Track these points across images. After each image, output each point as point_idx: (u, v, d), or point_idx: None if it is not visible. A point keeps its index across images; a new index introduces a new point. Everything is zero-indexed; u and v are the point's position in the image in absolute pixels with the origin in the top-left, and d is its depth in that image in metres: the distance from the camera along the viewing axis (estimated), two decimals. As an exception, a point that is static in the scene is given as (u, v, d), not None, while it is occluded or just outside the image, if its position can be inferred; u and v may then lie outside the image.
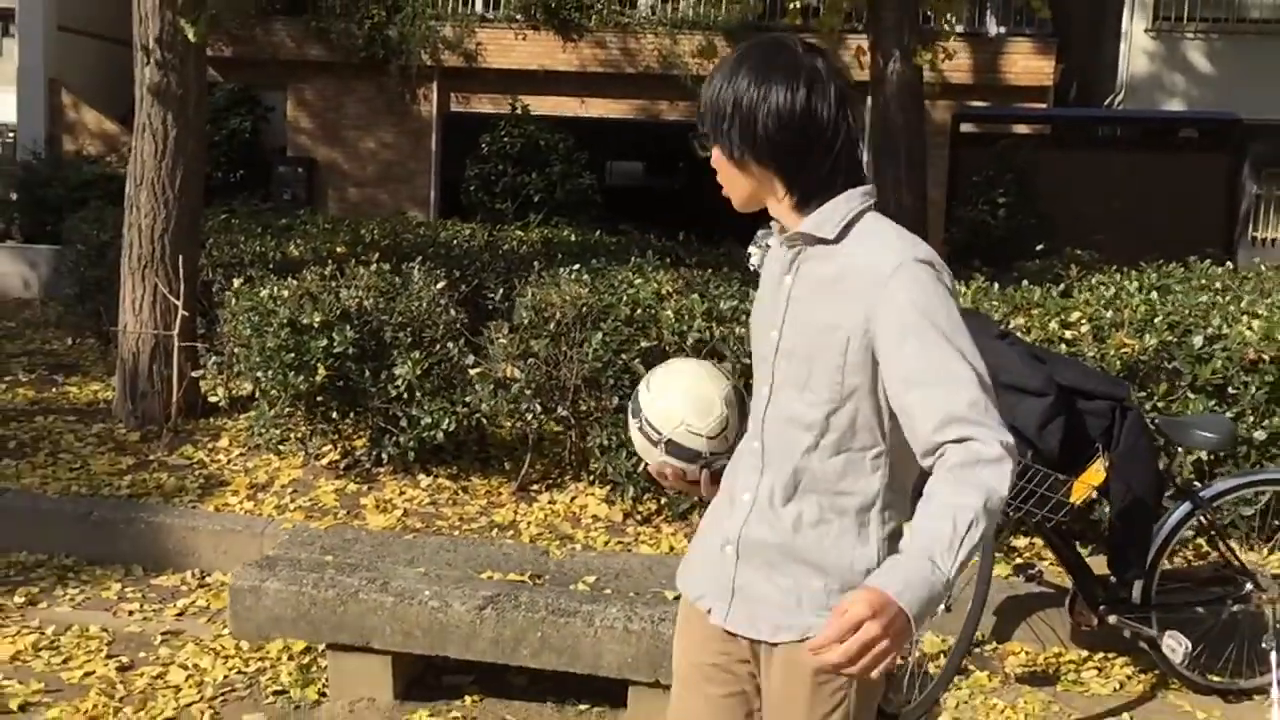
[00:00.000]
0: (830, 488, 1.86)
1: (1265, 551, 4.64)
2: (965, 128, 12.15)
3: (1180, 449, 3.94)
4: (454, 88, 16.53)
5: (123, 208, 6.20)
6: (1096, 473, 3.45)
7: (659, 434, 2.02)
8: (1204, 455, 4.45)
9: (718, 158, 1.92)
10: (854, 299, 1.80)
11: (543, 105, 15.91)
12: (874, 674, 1.61)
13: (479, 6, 16.43)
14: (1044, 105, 15.12)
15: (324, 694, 3.68)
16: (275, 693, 3.70)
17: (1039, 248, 8.00)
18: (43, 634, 4.08)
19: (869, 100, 8.12)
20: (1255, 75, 14.53)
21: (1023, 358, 3.51)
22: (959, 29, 14.97)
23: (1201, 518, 3.83)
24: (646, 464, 2.07)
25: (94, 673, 3.80)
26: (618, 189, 17.83)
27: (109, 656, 3.93)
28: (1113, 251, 7.37)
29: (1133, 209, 10.12)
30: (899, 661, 3.58)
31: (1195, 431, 3.78)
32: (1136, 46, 15.29)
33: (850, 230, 1.85)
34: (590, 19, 15.82)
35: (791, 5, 9.40)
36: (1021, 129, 14.82)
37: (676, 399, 2.03)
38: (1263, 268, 6.35)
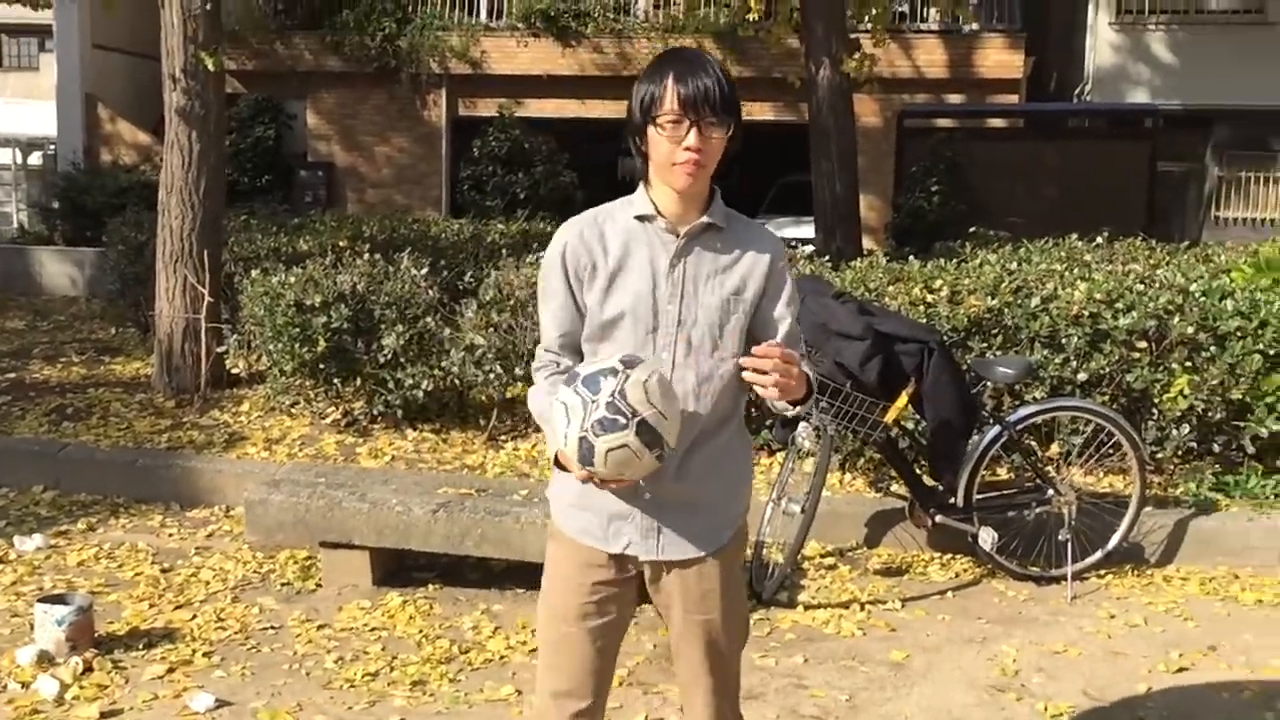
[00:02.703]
0: (726, 421, 2.34)
1: (1100, 474, 5.61)
2: (912, 123, 13.13)
3: (989, 383, 4.92)
4: (461, 93, 17.59)
5: (156, 212, 7.30)
6: (901, 399, 4.46)
7: (633, 413, 2.09)
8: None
9: (720, 138, 2.22)
10: (752, 272, 2.31)
11: (545, 108, 16.95)
12: (776, 393, 2.15)
13: (483, 16, 17.47)
14: (1016, 98, 15.99)
15: (319, 584, 4.74)
16: (282, 584, 4.76)
17: (971, 230, 8.96)
18: (101, 549, 5.16)
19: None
20: (1216, 64, 15.38)
21: (850, 312, 4.51)
22: (934, 26, 15.93)
23: (1009, 438, 4.81)
24: (590, 466, 2.14)
25: (142, 573, 4.87)
26: (629, 182, 18.75)
27: (154, 562, 5.00)
28: (1029, 232, 8.32)
29: (1059, 194, 11.09)
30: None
31: (998, 369, 4.78)
32: (1101, 39, 16.15)
33: (730, 219, 2.34)
34: (587, 26, 16.83)
35: (747, 17, 10.34)
36: (994, 122, 15.70)
37: (654, 384, 2.14)
38: (1099, 240, 7.26)
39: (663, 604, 2.40)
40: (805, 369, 2.27)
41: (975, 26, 15.82)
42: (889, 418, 4.53)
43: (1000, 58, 15.84)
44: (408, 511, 4.52)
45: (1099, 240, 7.14)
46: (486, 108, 17.22)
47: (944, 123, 14.10)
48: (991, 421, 4.84)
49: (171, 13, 6.82)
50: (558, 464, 2.29)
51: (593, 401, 2.09)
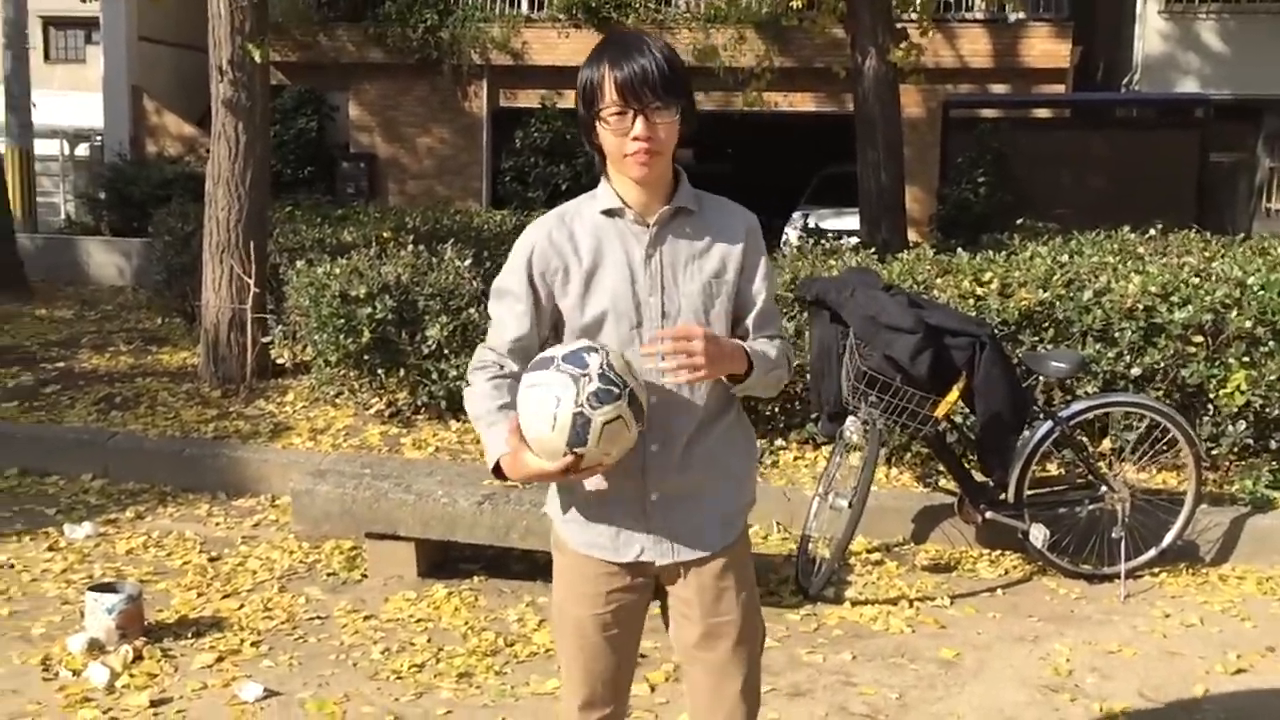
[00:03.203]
0: (725, 410, 2.27)
1: (1153, 471, 5.51)
2: (958, 113, 12.99)
3: (1041, 377, 4.83)
4: (502, 84, 17.60)
5: (201, 203, 7.34)
6: (953, 393, 4.39)
7: (624, 384, 2.06)
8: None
9: (669, 121, 2.11)
10: (729, 253, 2.22)
11: (586, 99, 16.90)
12: (686, 375, 2.09)
13: (524, 7, 17.47)
14: (1062, 88, 15.78)
15: (365, 575, 4.74)
16: (328, 574, 4.77)
17: (1018, 221, 8.84)
18: (149, 537, 5.20)
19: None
20: (1267, 53, 15.09)
21: (900, 305, 4.44)
22: (979, 15, 15.74)
23: (1061, 433, 4.73)
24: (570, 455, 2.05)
25: (190, 562, 4.90)
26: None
27: (201, 551, 5.03)
28: (1078, 224, 8.19)
29: (1107, 186, 10.92)
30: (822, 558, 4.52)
31: (1051, 363, 4.70)
32: (1150, 28, 15.89)
33: (700, 200, 2.24)
34: (628, 16, 16.79)
35: (791, 5, 10.29)
36: (1040, 113, 15.49)
37: (626, 360, 2.11)
38: (1151, 232, 7.12)
39: (680, 611, 2.30)
40: (731, 343, 2.17)
41: (1021, 15, 15.62)
42: (939, 412, 4.46)
43: (1046, 47, 15.64)
44: (453, 503, 4.51)
45: (1152, 232, 7.00)
46: (527, 99, 17.23)
47: (990, 113, 13.91)
48: (1043, 417, 4.77)
49: (219, 4, 6.85)
50: (497, 473, 2.16)
51: (584, 375, 2.03)
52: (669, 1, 17.15)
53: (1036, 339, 5.38)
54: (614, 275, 2.18)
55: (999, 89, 15.80)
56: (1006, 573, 4.95)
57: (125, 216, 13.57)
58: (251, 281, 7.03)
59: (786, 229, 13.40)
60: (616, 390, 2.03)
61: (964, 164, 11.41)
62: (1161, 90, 15.50)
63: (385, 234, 7.83)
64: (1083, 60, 16.36)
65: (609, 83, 2.08)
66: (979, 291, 5.54)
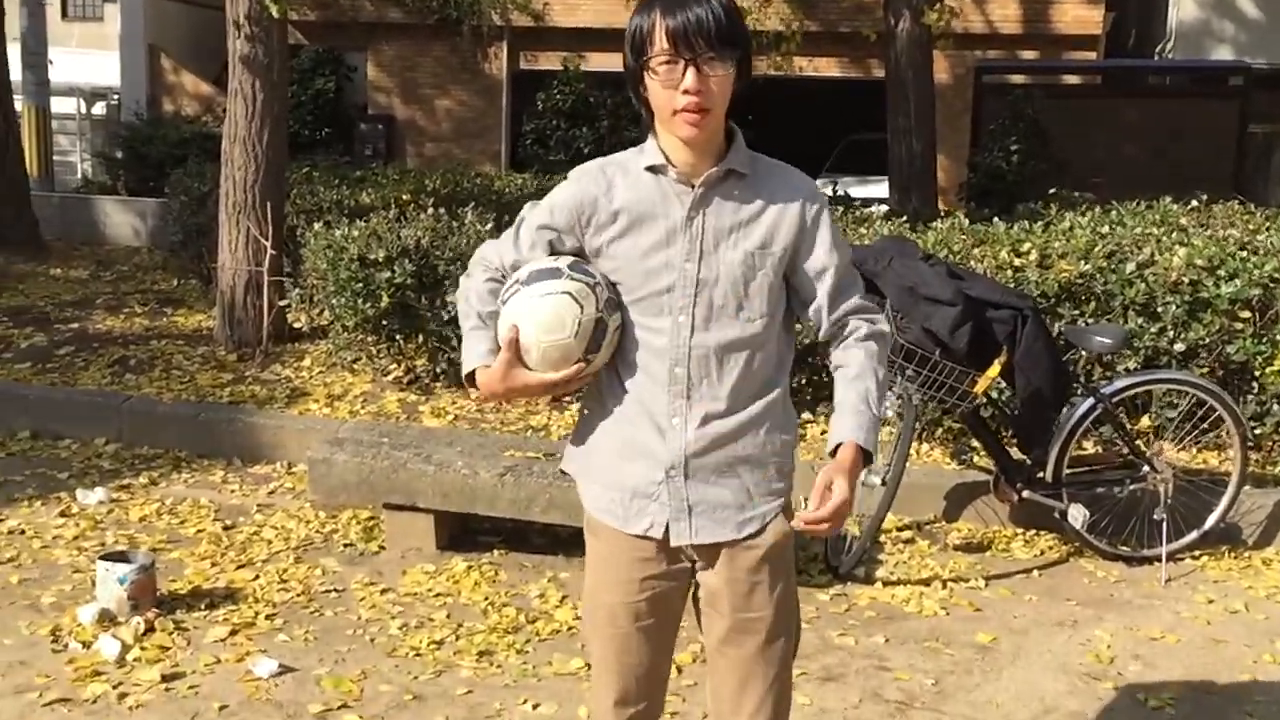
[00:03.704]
0: (760, 391, 2.09)
1: (1194, 451, 5.35)
2: (990, 79, 12.69)
3: (1084, 352, 4.65)
4: (523, 46, 17.35)
5: (218, 163, 7.19)
6: (994, 368, 4.23)
7: (594, 278, 2.05)
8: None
9: (723, 74, 1.96)
10: (780, 222, 2.05)
11: (607, 62, 16.62)
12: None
13: (546, -32, 17.18)
14: (1094, 55, 15.45)
15: (383, 546, 4.62)
16: (345, 545, 4.65)
17: (1051, 191, 8.61)
18: (163, 504, 5.09)
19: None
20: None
21: (939, 276, 4.27)
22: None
23: (1104, 410, 4.56)
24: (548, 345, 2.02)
25: (204, 530, 4.79)
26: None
27: (216, 519, 4.92)
28: (1114, 193, 7.98)
29: (1143, 154, 10.65)
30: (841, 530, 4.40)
31: (1093, 337, 4.52)
32: (1185, -6, 15.52)
33: (755, 164, 2.07)
34: (651, -23, 16.48)
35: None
36: (1072, 80, 15.18)
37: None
38: (1194, 203, 6.91)
39: (707, 602, 2.16)
40: (852, 465, 2.05)
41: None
42: (979, 388, 4.30)
43: (1079, 13, 15.31)
44: (474, 475, 4.38)
45: (1194, 203, 6.79)
46: (548, 61, 16.99)
47: (1021, 80, 13.60)
48: (1084, 393, 4.60)
49: (236, -43, 6.66)
50: (470, 381, 2.10)
51: (597, 284, 2.04)
52: (693, -38, 16.81)
53: (1076, 312, 5.20)
54: (649, 235, 2.05)
55: (1029, 55, 15.48)
56: (1042, 553, 4.80)
57: (142, 176, 13.43)
58: (268, 243, 6.88)
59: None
60: (617, 299, 2.06)
61: (996, 131, 11.14)
62: (1196, 58, 15.15)
63: (404, 196, 7.68)
64: (1114, 28, 16.00)
65: (659, 30, 1.93)
66: (1016, 262, 5.36)
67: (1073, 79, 14.71)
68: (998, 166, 10.58)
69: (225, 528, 4.82)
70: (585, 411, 2.19)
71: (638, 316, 2.06)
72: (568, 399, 6.08)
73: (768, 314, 2.07)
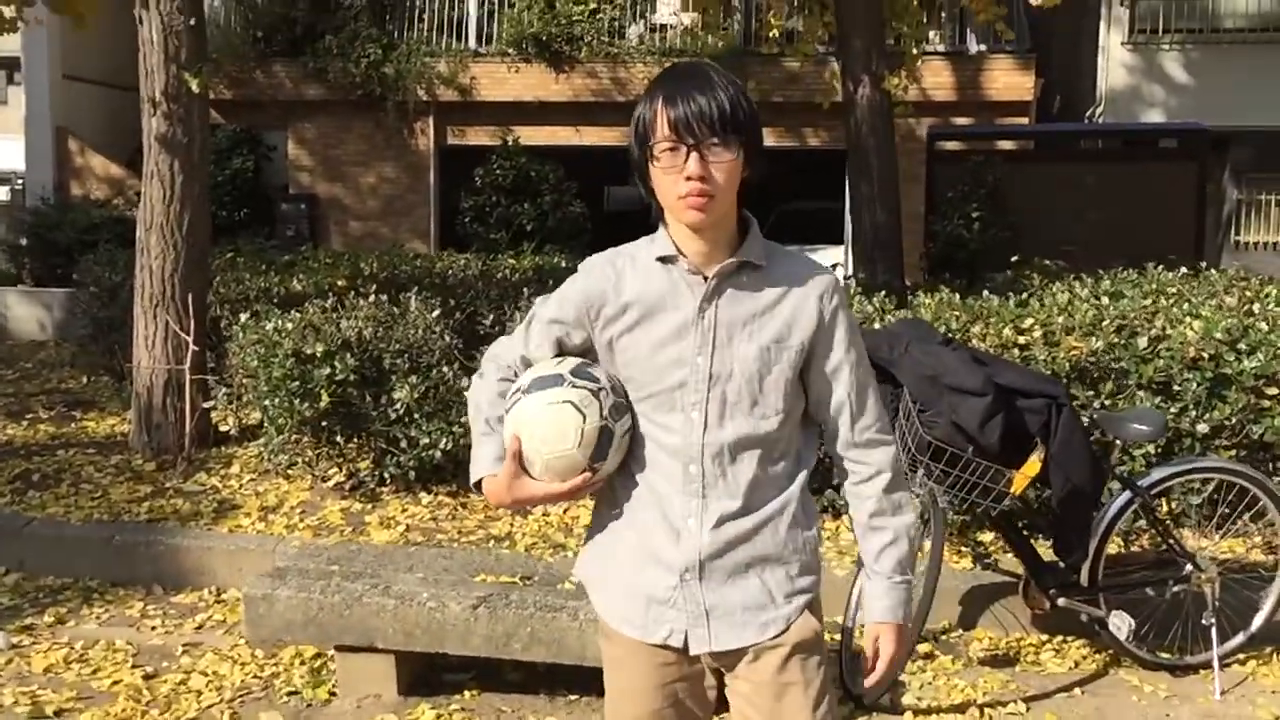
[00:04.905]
0: (778, 488, 2.03)
1: (1218, 538, 4.93)
2: (941, 145, 12.53)
3: (1119, 441, 4.22)
4: (450, 121, 16.91)
5: (132, 249, 6.54)
6: (1033, 464, 3.76)
7: (599, 382, 2.01)
8: (1150, 448, 4.75)
9: (728, 161, 1.92)
10: (797, 316, 1.99)
11: (537, 135, 16.28)
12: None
13: (472, 42, 16.81)
14: (1025, 120, 15.45)
15: (334, 693, 3.98)
16: (289, 693, 4.00)
17: (1013, 259, 8.31)
18: (72, 648, 4.39)
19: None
20: (1232, 84, 14.90)
21: (964, 361, 3.82)
22: (940, 48, 15.38)
23: (1142, 505, 4.12)
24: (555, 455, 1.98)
25: (121, 681, 4.10)
26: (617, 214, 18.20)
27: (134, 666, 4.23)
28: (1084, 261, 7.68)
29: (1104, 220, 10.48)
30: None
31: (1130, 425, 4.08)
32: (1114, 59, 15.66)
33: (770, 254, 2.02)
34: (580, 50, 16.21)
35: (770, 34, 9.78)
36: (1006, 145, 15.16)
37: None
38: (1213, 271, 6.66)
39: (738, 709, 2.06)
40: (903, 621, 2.09)
41: (984, 48, 15.29)
42: (1016, 488, 3.82)
43: (1010, 79, 15.29)
44: (442, 608, 3.77)
45: (1184, 270, 6.48)
46: (476, 136, 16.57)
47: (975, 146, 13.44)
48: (1120, 486, 4.15)
49: (151, 29, 6.09)
50: (478, 487, 2.07)
51: (601, 389, 1.99)
52: (622, 35, 16.60)
53: (1090, 393, 4.78)
54: (661, 327, 1.99)
55: (962, 121, 15.43)
56: (1077, 665, 4.31)
57: (49, 265, 12.74)
58: (190, 338, 6.24)
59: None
60: (625, 402, 2.02)
61: (955, 198, 10.89)
62: (1132, 121, 15.24)
63: (340, 282, 7.09)
64: (1041, 93, 16.06)
65: (662, 118, 1.91)
66: (1021, 340, 4.94)
67: (1008, 144, 14.64)
68: (958, 234, 10.31)
69: (146, 677, 4.15)
70: (598, 513, 2.14)
71: (650, 413, 2.02)
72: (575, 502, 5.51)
73: (784, 410, 2.01)
